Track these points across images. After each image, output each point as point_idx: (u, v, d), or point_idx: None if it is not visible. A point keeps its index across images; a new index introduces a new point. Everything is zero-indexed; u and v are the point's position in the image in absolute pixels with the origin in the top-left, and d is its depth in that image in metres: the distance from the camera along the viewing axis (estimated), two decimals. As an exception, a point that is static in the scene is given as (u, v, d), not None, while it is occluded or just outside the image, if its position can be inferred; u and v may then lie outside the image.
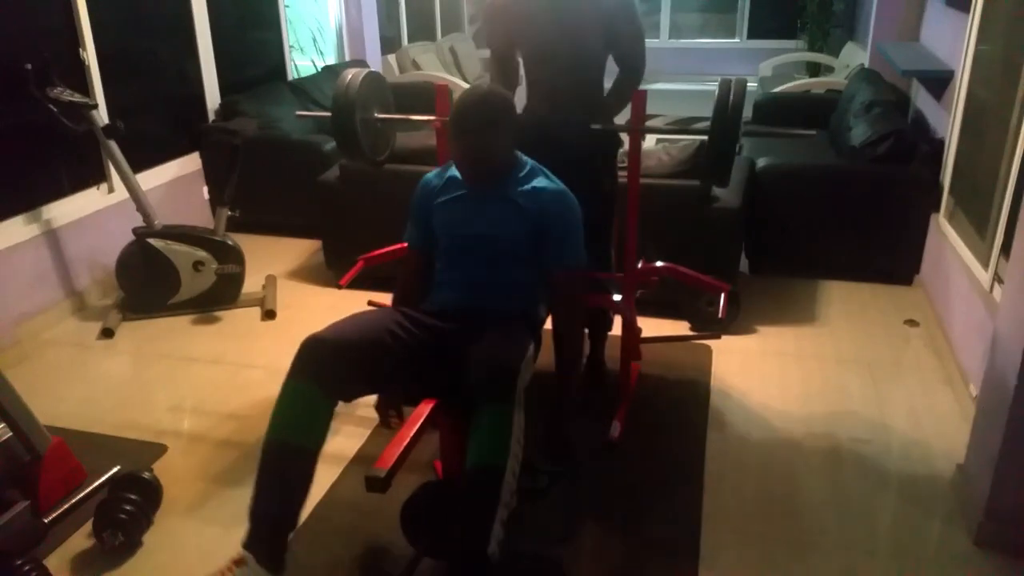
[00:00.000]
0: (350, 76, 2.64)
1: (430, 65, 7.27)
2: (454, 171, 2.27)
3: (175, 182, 4.44)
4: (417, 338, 2.12)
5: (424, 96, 4.29)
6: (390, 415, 2.33)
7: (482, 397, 1.87)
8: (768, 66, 7.86)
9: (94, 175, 3.98)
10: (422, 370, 2.12)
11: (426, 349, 2.13)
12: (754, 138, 4.76)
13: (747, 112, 4.74)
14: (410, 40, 7.65)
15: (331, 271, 4.13)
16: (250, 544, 1.94)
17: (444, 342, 2.15)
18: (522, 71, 2.84)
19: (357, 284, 3.06)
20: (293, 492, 1.95)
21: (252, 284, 3.98)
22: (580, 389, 3.12)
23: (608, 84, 2.78)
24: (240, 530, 2.46)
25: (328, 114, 2.68)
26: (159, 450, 2.78)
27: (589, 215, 2.87)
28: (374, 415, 2.44)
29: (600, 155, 2.80)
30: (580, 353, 2.22)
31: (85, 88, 3.81)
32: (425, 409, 2.15)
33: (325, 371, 1.94)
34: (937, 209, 3.76)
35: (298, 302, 3.97)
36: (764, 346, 3.45)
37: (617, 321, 3.01)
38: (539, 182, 2.19)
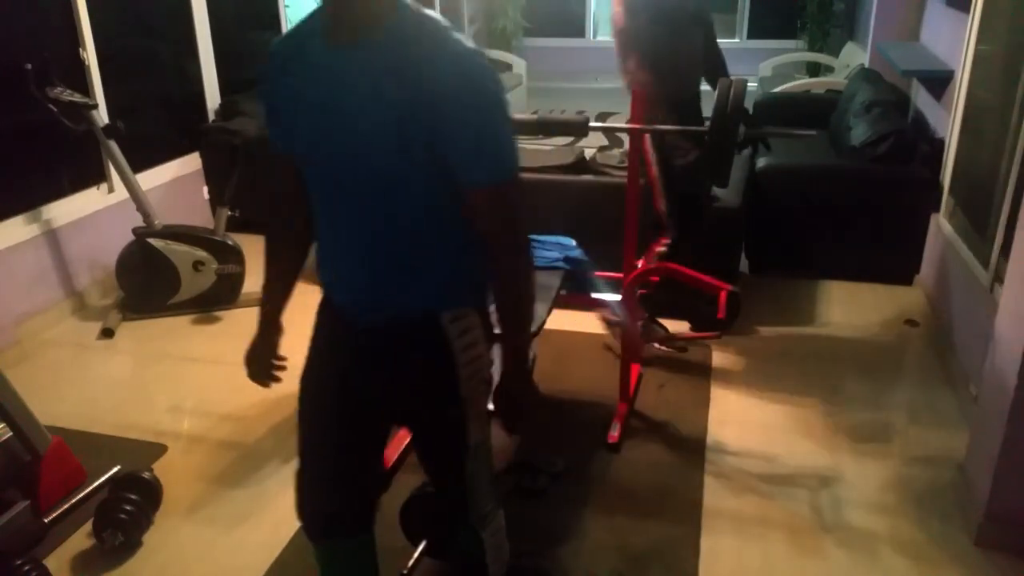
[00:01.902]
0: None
1: (430, 65, 7.27)
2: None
3: (175, 182, 4.44)
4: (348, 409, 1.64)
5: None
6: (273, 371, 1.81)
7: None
8: (768, 66, 7.85)
9: (94, 175, 3.98)
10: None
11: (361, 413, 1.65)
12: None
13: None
14: (410, 40, 7.65)
15: (331, 271, 4.12)
16: None
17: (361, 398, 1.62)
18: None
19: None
20: None
21: (252, 284, 3.97)
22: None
23: None
24: (240, 529, 2.46)
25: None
26: (159, 450, 2.78)
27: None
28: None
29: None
30: (529, 297, 1.52)
31: (85, 88, 3.81)
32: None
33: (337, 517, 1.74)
34: (937, 209, 3.76)
35: (298, 302, 3.93)
36: (764, 346, 3.45)
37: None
38: (426, 48, 1.31)
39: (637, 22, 2.94)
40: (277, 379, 1.80)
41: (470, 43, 1.33)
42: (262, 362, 1.78)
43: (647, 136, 2.97)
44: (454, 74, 1.30)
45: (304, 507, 1.71)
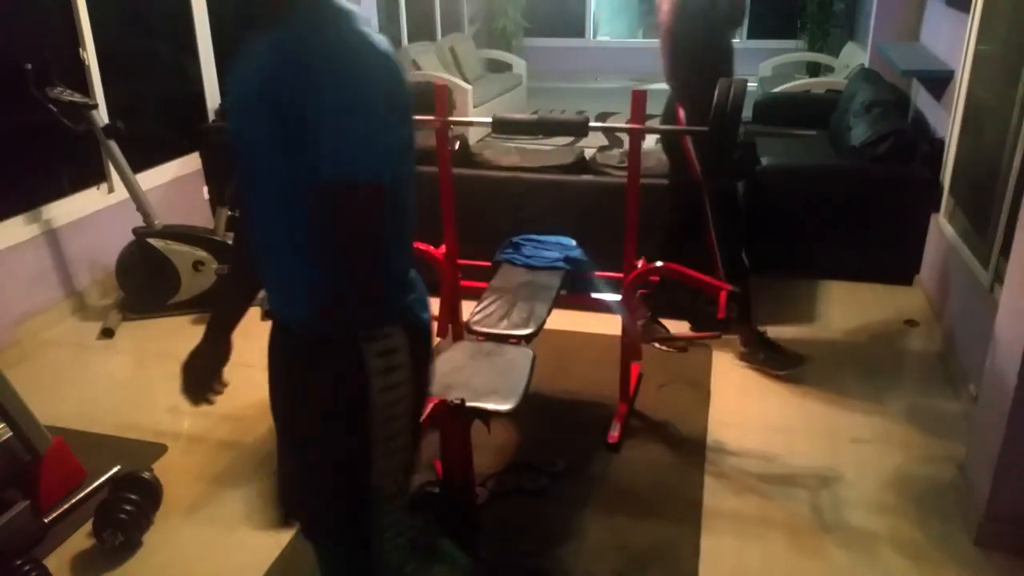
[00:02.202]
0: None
1: (430, 65, 7.26)
2: None
3: (175, 182, 4.44)
4: None
5: (424, 96, 4.27)
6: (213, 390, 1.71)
7: None
8: (768, 66, 7.86)
9: (94, 175, 3.98)
10: None
11: None
12: (754, 138, 4.76)
13: (747, 112, 4.75)
14: (410, 40, 7.65)
15: (331, 271, 4.13)
16: None
17: None
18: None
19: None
20: None
21: (252, 284, 3.97)
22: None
23: None
24: (240, 529, 2.46)
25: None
26: (159, 450, 2.78)
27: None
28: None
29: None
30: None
31: (85, 88, 3.81)
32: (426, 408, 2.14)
33: None
34: (937, 209, 3.76)
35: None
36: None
37: (618, 320, 3.01)
38: (306, 35, 1.23)
39: (691, 23, 2.83)
40: (209, 401, 1.63)
41: (370, 37, 1.24)
42: (201, 375, 1.60)
43: (688, 139, 2.96)
44: (322, 62, 1.20)
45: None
